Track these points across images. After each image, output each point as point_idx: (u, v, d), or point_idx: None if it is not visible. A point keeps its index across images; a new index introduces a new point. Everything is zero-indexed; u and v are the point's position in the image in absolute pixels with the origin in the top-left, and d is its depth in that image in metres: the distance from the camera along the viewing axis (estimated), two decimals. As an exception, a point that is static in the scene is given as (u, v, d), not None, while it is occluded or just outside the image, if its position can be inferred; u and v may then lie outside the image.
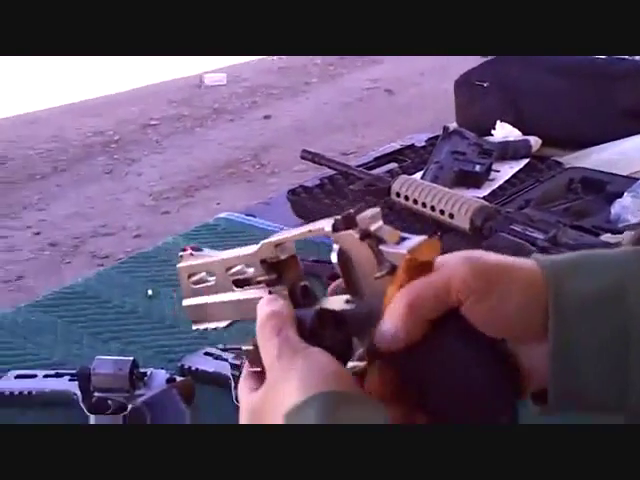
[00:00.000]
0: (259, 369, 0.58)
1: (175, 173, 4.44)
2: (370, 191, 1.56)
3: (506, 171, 1.73)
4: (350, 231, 0.57)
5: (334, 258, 0.58)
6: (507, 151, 1.79)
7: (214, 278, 0.67)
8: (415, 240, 0.56)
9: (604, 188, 1.59)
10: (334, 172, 1.71)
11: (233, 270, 0.66)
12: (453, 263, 0.56)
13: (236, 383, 1.04)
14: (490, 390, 0.56)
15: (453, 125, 1.97)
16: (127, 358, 1.05)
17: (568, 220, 1.40)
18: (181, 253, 0.71)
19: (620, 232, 1.35)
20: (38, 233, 3.87)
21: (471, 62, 2.08)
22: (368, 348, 0.57)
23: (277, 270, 0.63)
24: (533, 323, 0.56)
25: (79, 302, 1.39)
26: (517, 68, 2.02)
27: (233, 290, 0.66)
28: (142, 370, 1.05)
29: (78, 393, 1.04)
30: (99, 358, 1.06)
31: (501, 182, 1.67)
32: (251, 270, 0.64)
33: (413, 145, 1.92)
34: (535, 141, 1.85)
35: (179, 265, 0.70)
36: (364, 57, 6.62)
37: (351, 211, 0.57)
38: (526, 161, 1.77)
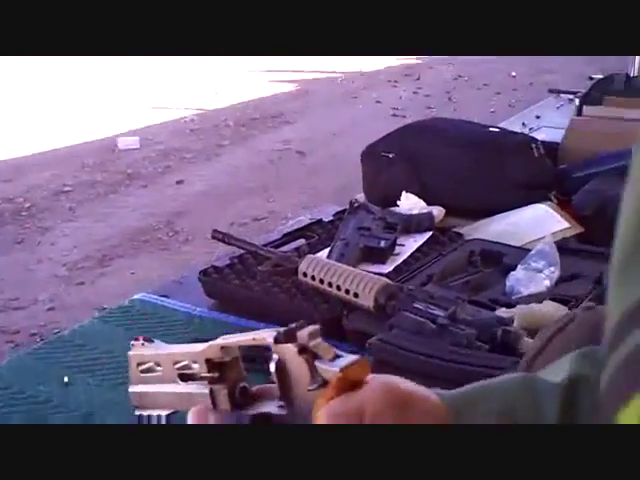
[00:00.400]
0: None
1: (89, 242, 4.41)
2: (278, 272, 1.61)
3: (410, 245, 1.79)
4: (289, 345, 0.62)
5: (272, 367, 0.63)
6: (411, 224, 1.85)
7: (161, 369, 0.73)
8: (348, 359, 0.62)
9: (501, 260, 1.67)
10: (244, 251, 1.76)
11: (179, 365, 0.71)
12: (371, 388, 0.62)
13: None
14: None
15: (360, 196, 2.04)
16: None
17: (467, 295, 1.47)
18: (133, 342, 0.80)
19: (513, 305, 1.43)
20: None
21: (381, 122, 2.16)
22: None
23: (220, 369, 0.68)
24: None
25: (-14, 395, 1.36)
26: (420, 140, 2.12)
27: (178, 382, 0.71)
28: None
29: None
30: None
31: (405, 257, 1.72)
32: (196, 366, 0.70)
33: (321, 220, 1.97)
34: (438, 211, 1.92)
35: (130, 353, 0.76)
36: (276, 118, 6.74)
37: (293, 326, 0.63)
38: (429, 234, 1.83)
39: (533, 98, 3.78)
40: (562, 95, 3.09)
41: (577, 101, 2.63)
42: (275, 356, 0.63)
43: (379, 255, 1.70)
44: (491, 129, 2.23)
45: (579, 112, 2.47)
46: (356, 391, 0.61)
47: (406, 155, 2.08)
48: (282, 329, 0.63)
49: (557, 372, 0.67)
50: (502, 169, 1.97)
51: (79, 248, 4.36)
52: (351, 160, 2.65)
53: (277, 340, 0.63)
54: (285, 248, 1.81)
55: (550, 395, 0.65)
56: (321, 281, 1.49)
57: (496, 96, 7.17)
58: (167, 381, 0.72)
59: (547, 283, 1.55)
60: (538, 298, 1.47)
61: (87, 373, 1.43)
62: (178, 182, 5.34)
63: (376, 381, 0.62)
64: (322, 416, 0.61)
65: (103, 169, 5.58)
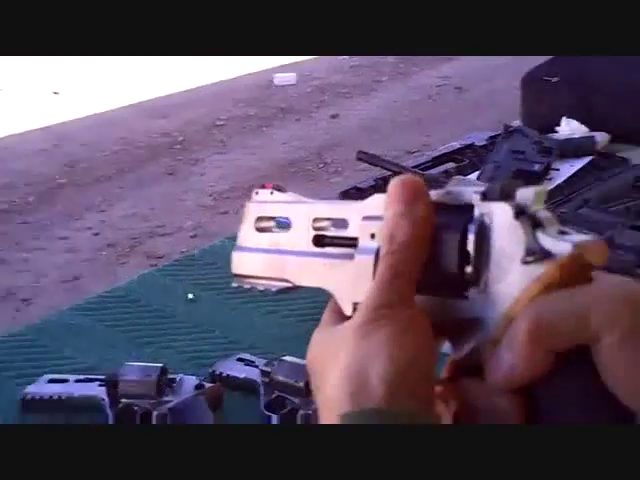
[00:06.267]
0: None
1: (237, 173, 4.42)
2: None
3: (566, 169, 1.66)
4: (504, 204, 0.45)
5: (472, 233, 0.45)
6: (569, 148, 1.72)
7: (290, 229, 0.54)
8: (581, 237, 0.44)
9: (672, 189, 1.51)
10: (390, 173, 1.65)
11: (318, 224, 0.53)
12: (603, 286, 0.43)
13: (265, 390, 1.01)
14: None
15: (516, 123, 1.90)
16: (156, 364, 1.03)
17: (628, 219, 1.32)
18: (257, 190, 0.57)
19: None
20: (97, 234, 3.90)
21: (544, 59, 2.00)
22: (468, 355, 0.46)
23: None
24: None
25: (119, 306, 1.37)
26: (589, 63, 1.95)
27: (309, 247, 0.53)
28: (172, 376, 1.03)
29: (106, 399, 1.02)
30: (128, 364, 1.04)
31: (560, 181, 1.60)
32: (342, 229, 0.51)
33: (473, 144, 1.85)
34: (602, 137, 1.77)
35: (250, 203, 0.57)
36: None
37: (508, 181, 0.46)
38: (589, 159, 1.69)
39: None
40: None
41: None
42: (478, 217, 0.45)
43: (532, 179, 1.56)
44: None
45: None
46: (585, 285, 0.43)
47: (572, 79, 1.92)
48: (495, 183, 0.46)
49: None
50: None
51: (226, 179, 4.37)
52: (510, 95, 2.48)
53: (487, 195, 0.46)
54: (433, 171, 1.69)
55: None
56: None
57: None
58: (296, 245, 0.54)
59: None
60: None
61: (214, 291, 1.38)
62: (332, 116, 5.27)
63: (616, 279, 0.44)
64: (530, 314, 0.42)
65: (257, 104, 5.56)
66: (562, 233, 0.44)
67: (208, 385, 1.04)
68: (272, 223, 0.56)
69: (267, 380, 1.01)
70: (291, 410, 0.96)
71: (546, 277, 0.43)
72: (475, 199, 0.46)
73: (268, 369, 1.01)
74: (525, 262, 0.43)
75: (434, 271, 0.46)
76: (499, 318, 0.44)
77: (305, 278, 0.53)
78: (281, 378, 0.99)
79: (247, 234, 0.57)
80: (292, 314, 1.28)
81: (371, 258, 0.47)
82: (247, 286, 0.56)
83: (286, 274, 0.54)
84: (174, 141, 4.99)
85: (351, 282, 0.49)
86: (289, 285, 0.54)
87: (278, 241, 0.55)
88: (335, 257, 0.51)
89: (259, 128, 5.15)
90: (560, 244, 0.43)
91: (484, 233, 0.45)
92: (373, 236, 0.48)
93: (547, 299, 0.42)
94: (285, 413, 0.97)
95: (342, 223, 0.52)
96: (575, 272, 0.43)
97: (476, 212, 0.45)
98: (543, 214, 0.45)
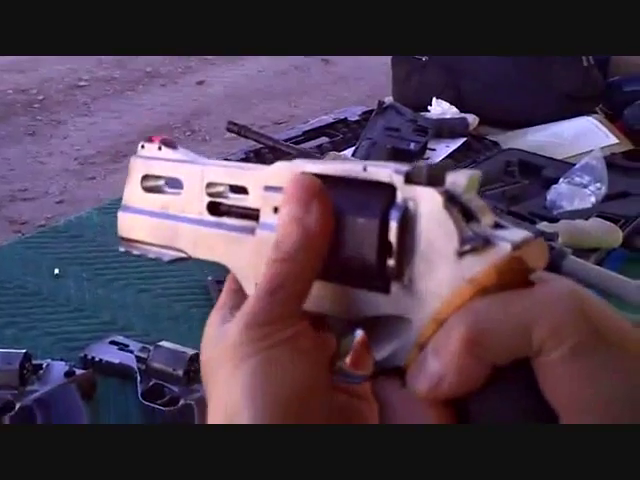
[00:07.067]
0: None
1: (103, 137, 4.27)
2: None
3: (442, 150, 1.67)
4: (432, 189, 0.38)
5: (394, 221, 0.39)
6: (443, 129, 1.73)
7: (182, 190, 0.48)
8: (520, 233, 0.38)
9: (540, 172, 1.54)
10: (261, 145, 1.62)
11: (214, 189, 0.47)
12: (552, 289, 0.38)
13: (142, 377, 0.96)
14: None
15: (389, 99, 1.89)
16: (18, 351, 0.94)
17: (504, 205, 1.34)
18: (143, 143, 0.50)
19: (555, 220, 1.30)
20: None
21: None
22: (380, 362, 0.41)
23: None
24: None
25: (-25, 280, 1.28)
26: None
27: (204, 215, 0.47)
28: (38, 362, 0.95)
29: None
30: (-16, 351, 0.95)
31: (436, 161, 1.60)
32: (236, 197, 0.46)
33: (346, 119, 1.84)
34: (473, 119, 1.79)
35: (135, 157, 0.51)
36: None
37: (438, 163, 0.40)
38: (463, 140, 1.71)
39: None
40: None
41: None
42: (401, 202, 0.39)
43: (408, 158, 1.57)
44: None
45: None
46: (527, 289, 0.37)
47: (440, 58, 1.93)
48: (419, 163, 0.40)
49: None
50: (546, 77, 1.82)
51: (92, 143, 4.22)
52: (379, 70, 2.47)
53: (410, 178, 0.39)
54: (306, 145, 1.67)
55: None
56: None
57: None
58: (188, 211, 0.48)
59: (592, 200, 1.41)
60: (583, 214, 1.33)
61: (81, 266, 1.31)
62: (198, 83, 5.16)
63: (562, 284, 0.38)
64: (466, 320, 0.37)
65: (121, 66, 5.39)
66: (498, 226, 0.39)
67: (79, 371, 0.97)
68: (161, 182, 0.50)
69: (144, 367, 0.95)
70: (171, 399, 0.92)
71: (481, 279, 0.37)
72: (397, 180, 0.39)
73: (144, 355, 0.96)
74: (460, 253, 0.37)
75: (347, 259, 0.41)
76: (426, 320, 0.38)
77: (200, 250, 0.48)
78: (158, 366, 0.94)
79: (133, 193, 0.50)
80: (165, 293, 1.23)
81: (275, 235, 0.42)
82: (136, 252, 0.50)
83: (179, 243, 0.48)
84: (33, 99, 4.77)
85: (253, 260, 0.44)
86: (183, 255, 0.49)
87: (168, 205, 0.49)
88: (234, 229, 0.46)
89: (124, 92, 4.99)
90: (498, 243, 0.37)
91: (409, 222, 0.39)
92: (276, 210, 0.43)
93: (485, 304, 0.37)
94: (165, 402, 0.92)
95: (241, 190, 0.46)
96: (514, 275, 0.37)
97: (399, 196, 0.39)
98: (476, 203, 0.39)
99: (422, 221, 0.39)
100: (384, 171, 0.40)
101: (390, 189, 0.40)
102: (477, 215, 0.38)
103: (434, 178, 0.39)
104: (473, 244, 0.37)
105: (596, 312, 0.38)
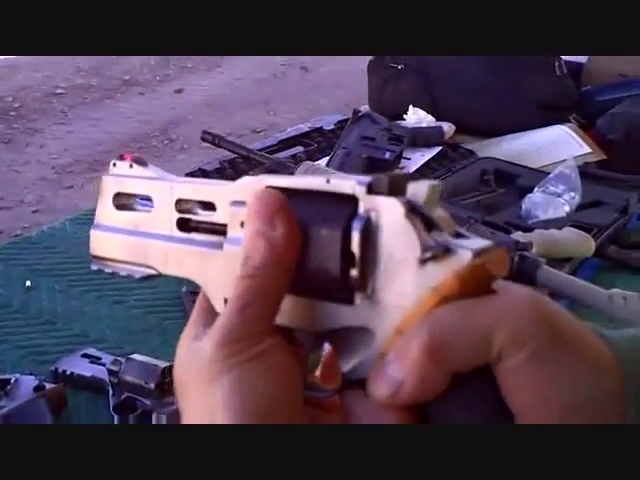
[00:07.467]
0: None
1: (80, 146, 4.25)
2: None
3: (417, 159, 1.67)
4: (393, 199, 0.39)
5: (356, 231, 0.39)
6: (419, 137, 1.73)
7: (151, 208, 0.49)
8: (480, 242, 0.38)
9: (515, 180, 1.54)
10: (236, 155, 1.61)
11: (183, 206, 0.48)
12: (513, 297, 0.39)
13: (114, 391, 0.95)
14: None
15: (365, 108, 1.89)
16: (-15, 365, 0.93)
17: (479, 215, 1.34)
18: (115, 161, 0.51)
19: (530, 229, 1.30)
20: None
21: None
22: (348, 372, 0.41)
23: None
24: (598, 416, 0.38)
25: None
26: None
27: (174, 231, 0.48)
28: (6, 377, 0.94)
29: None
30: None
31: (411, 171, 1.60)
32: (205, 213, 0.47)
33: (321, 128, 1.84)
34: (449, 127, 1.79)
35: (107, 176, 0.51)
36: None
37: (398, 172, 0.41)
38: (438, 149, 1.71)
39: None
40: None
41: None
42: (363, 213, 0.40)
43: (383, 167, 1.56)
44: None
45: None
46: (488, 297, 0.38)
47: (417, 66, 1.93)
48: (382, 175, 0.40)
49: None
50: (521, 86, 1.82)
51: (69, 152, 4.20)
52: (357, 77, 2.48)
53: (372, 188, 0.40)
54: (281, 155, 1.66)
55: None
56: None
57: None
58: (158, 227, 0.49)
59: (567, 209, 1.41)
60: (557, 224, 1.34)
61: (53, 278, 1.30)
62: (177, 91, 5.15)
63: (522, 292, 0.39)
64: (426, 328, 0.37)
65: (99, 74, 5.37)
66: (458, 236, 0.39)
67: (50, 386, 0.95)
68: (133, 200, 0.51)
69: (116, 380, 0.95)
70: (143, 412, 0.91)
71: (443, 288, 0.37)
72: (359, 191, 0.40)
73: (116, 368, 0.95)
74: (421, 261, 0.38)
75: (312, 271, 0.41)
76: (389, 332, 0.39)
77: (171, 267, 0.48)
78: (130, 379, 0.93)
79: (105, 211, 0.51)
80: (139, 305, 1.22)
81: (242, 250, 0.43)
82: (108, 270, 0.52)
83: (150, 260, 0.49)
84: (9, 107, 4.74)
85: (221, 275, 0.45)
86: (153, 272, 0.50)
87: (139, 222, 0.50)
88: (203, 245, 0.46)
89: (102, 100, 4.97)
90: (459, 251, 0.37)
91: (371, 232, 0.39)
92: (243, 224, 0.43)
93: (446, 312, 0.37)
94: (137, 415, 0.91)
95: (209, 206, 0.47)
96: (475, 283, 0.38)
97: (361, 207, 0.40)
98: (437, 213, 0.39)
99: (384, 231, 0.39)
100: (347, 183, 0.41)
101: (353, 200, 0.40)
102: (438, 224, 0.39)
103: (396, 188, 0.40)
104: (434, 251, 0.38)
105: (556, 318, 0.38)
